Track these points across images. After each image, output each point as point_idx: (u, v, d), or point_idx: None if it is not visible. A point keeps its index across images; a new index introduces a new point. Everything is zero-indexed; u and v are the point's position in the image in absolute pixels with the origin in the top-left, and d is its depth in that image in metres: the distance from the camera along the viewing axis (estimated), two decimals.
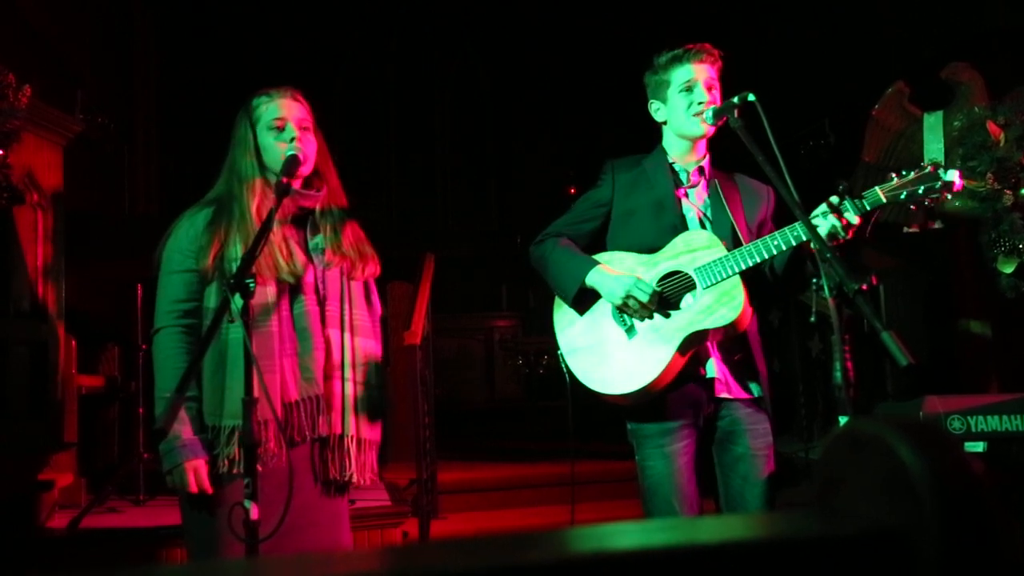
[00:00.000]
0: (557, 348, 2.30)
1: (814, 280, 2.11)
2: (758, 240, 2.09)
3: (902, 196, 2.03)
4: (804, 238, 2.03)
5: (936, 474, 0.60)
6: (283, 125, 2.03)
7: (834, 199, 2.02)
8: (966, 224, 4.03)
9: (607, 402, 2.21)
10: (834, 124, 5.73)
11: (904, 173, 2.04)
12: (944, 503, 0.59)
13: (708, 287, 2.12)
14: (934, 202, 2.05)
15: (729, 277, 2.10)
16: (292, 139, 2.02)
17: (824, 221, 2.00)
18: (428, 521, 3.83)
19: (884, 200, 2.04)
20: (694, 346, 2.15)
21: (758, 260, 2.07)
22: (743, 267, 2.08)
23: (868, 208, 2.04)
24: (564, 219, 2.40)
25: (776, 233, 2.08)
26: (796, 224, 2.04)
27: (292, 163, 1.97)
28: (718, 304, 2.11)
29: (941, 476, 0.60)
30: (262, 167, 2.03)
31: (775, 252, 2.07)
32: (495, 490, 4.55)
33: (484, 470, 4.97)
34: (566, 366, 2.27)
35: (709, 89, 2.24)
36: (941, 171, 2.03)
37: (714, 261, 2.11)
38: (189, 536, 1.99)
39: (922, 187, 2.02)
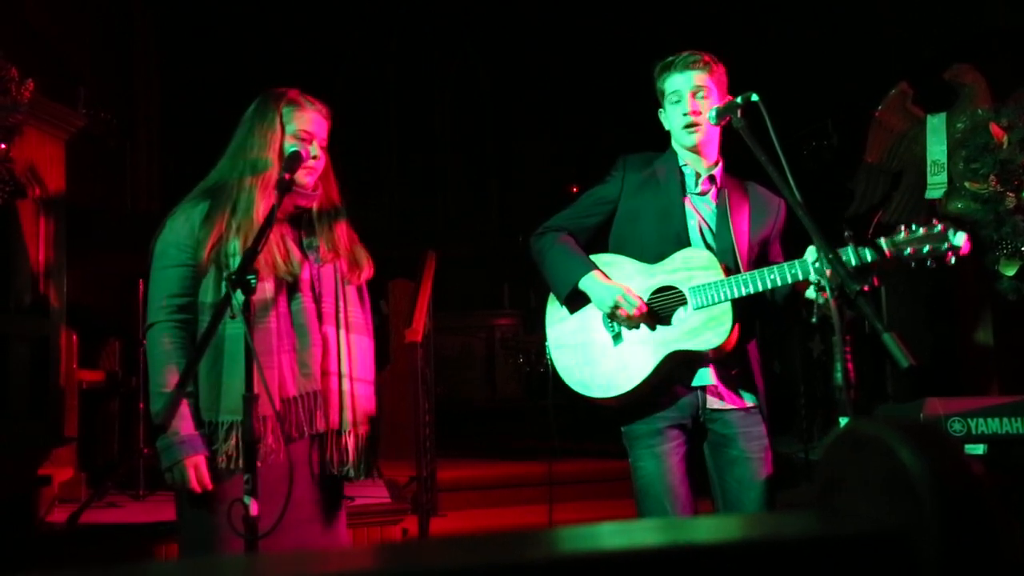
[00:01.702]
0: (545, 340, 2.31)
1: (815, 283, 2.10)
2: (755, 271, 2.08)
3: (906, 252, 1.97)
4: (801, 277, 2.03)
5: (936, 475, 0.60)
6: (310, 140, 2.03)
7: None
8: (968, 226, 4.03)
9: (597, 404, 2.22)
10: (836, 124, 5.72)
11: (914, 229, 1.98)
12: (944, 503, 0.59)
13: (699, 308, 2.12)
14: (937, 263, 1.98)
15: (721, 302, 2.10)
16: (313, 157, 2.02)
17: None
18: (428, 518, 3.83)
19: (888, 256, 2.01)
20: (677, 362, 2.16)
21: (752, 291, 2.07)
22: (736, 295, 2.08)
23: (869, 260, 1.99)
24: (568, 212, 2.39)
25: (775, 267, 2.07)
26: (795, 262, 2.04)
27: (294, 159, 1.97)
28: (705, 328, 2.11)
29: (941, 477, 0.60)
30: (277, 166, 2.02)
31: (770, 287, 2.07)
32: (495, 488, 4.55)
33: (484, 468, 4.97)
34: (552, 361, 2.28)
35: (694, 97, 2.21)
36: (951, 232, 1.96)
37: (708, 284, 2.11)
38: (185, 532, 1.98)
39: (928, 246, 1.96)
